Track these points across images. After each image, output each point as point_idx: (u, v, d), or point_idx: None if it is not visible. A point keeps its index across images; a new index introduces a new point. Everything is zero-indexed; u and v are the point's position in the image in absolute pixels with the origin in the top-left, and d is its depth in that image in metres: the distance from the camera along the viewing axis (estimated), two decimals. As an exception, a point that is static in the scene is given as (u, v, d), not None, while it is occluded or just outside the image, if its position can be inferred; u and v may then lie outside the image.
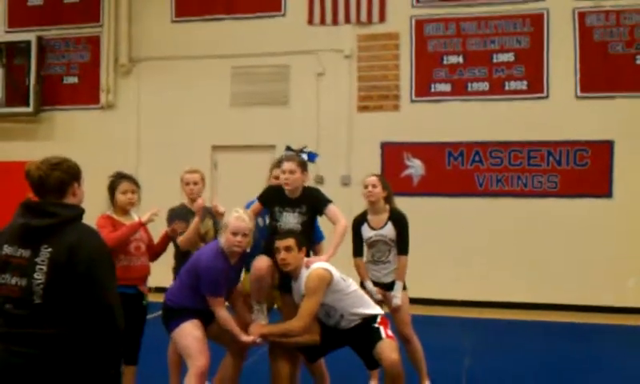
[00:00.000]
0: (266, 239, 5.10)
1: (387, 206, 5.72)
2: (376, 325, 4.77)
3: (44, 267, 2.75)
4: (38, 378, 2.73)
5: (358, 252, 5.78)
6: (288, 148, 5.38)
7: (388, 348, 4.61)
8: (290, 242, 4.72)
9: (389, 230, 5.64)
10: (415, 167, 10.47)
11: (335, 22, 10.90)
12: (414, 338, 5.70)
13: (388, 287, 5.68)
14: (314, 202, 5.16)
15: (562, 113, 10.09)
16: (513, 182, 10.28)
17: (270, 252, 4.88)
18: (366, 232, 5.73)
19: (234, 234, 4.57)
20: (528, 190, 10.22)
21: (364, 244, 5.78)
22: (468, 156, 10.41)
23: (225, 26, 11.32)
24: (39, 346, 2.73)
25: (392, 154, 10.53)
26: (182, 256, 5.36)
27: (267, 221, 5.27)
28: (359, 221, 5.80)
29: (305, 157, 5.26)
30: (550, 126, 10.11)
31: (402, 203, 10.35)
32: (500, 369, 6.74)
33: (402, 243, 5.64)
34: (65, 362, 2.75)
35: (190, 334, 4.57)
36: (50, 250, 2.76)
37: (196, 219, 5.25)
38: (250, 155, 10.56)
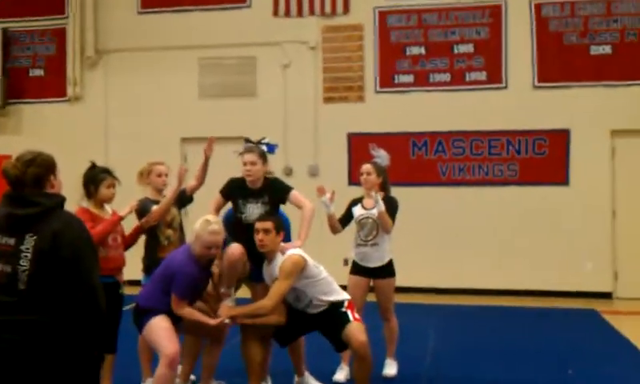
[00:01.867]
0: (230, 232, 5.21)
1: (382, 193, 5.95)
2: (343, 309, 5.02)
3: (29, 254, 2.87)
4: (23, 363, 2.86)
5: (340, 220, 5.98)
6: (247, 140, 5.58)
7: (356, 330, 4.87)
8: (269, 224, 4.94)
9: (377, 211, 5.82)
10: (381, 157, 10.50)
11: (300, 13, 11.07)
12: (393, 319, 6.03)
13: (374, 272, 5.92)
14: (276, 191, 5.37)
15: (520, 103, 10.40)
16: (474, 170, 10.59)
17: (237, 242, 5.06)
18: (358, 211, 5.97)
19: (208, 248, 4.73)
20: (489, 178, 10.54)
21: (353, 223, 5.99)
22: (431, 146, 10.70)
23: (192, 17, 11.40)
24: (24, 332, 2.86)
25: (358, 144, 10.74)
26: (153, 247, 5.55)
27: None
28: (355, 202, 6.07)
29: (264, 148, 5.45)
30: (510, 116, 10.42)
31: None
32: (462, 352, 7.04)
33: (388, 212, 5.83)
34: (49, 347, 2.87)
35: (157, 326, 4.73)
36: (34, 237, 2.88)
37: (175, 186, 5.44)
38: (219, 146, 10.56)
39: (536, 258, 10.20)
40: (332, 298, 5.06)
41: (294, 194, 5.40)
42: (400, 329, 6.19)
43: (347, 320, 4.93)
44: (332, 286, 5.14)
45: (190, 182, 5.83)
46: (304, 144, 10.93)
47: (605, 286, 10.17)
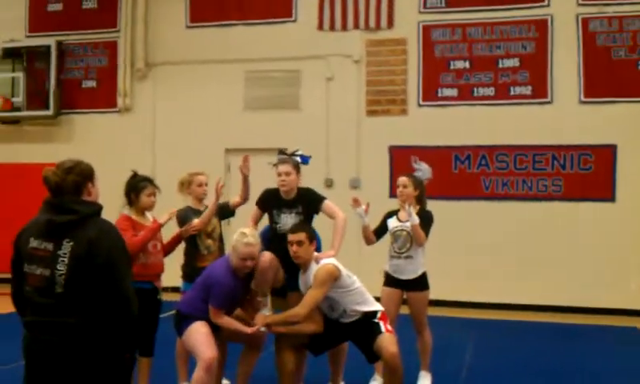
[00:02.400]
0: (267, 242, 5.30)
1: (418, 206, 5.97)
2: (376, 320, 5.05)
3: (65, 259, 3.00)
4: (59, 363, 3.00)
5: (375, 232, 6.04)
6: (281, 151, 5.67)
7: (387, 341, 4.90)
8: (302, 235, 5.02)
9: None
10: (423, 170, 10.68)
11: (344, 27, 11.18)
12: (427, 332, 6.01)
13: (407, 285, 5.93)
14: (309, 202, 5.44)
15: (565, 117, 10.29)
16: (518, 185, 10.49)
17: (275, 253, 5.15)
18: (393, 223, 6.01)
19: (244, 259, 4.86)
20: (533, 193, 10.43)
21: (388, 234, 6.04)
22: (474, 160, 10.65)
23: (238, 31, 11.62)
24: (61, 334, 3.00)
25: (400, 157, 10.78)
26: (192, 255, 5.68)
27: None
28: (390, 213, 6.11)
29: (298, 159, 5.53)
30: (554, 131, 10.31)
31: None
32: (500, 368, 6.97)
33: (422, 226, 5.81)
34: (84, 348, 3.00)
35: (196, 331, 4.86)
36: (71, 243, 3.01)
37: (214, 200, 5.58)
38: (263, 158, 10.74)
39: (580, 275, 10.04)
40: (365, 309, 5.10)
41: (327, 203, 5.47)
42: (438, 342, 6.18)
43: (379, 331, 4.97)
44: (365, 296, 5.18)
45: (234, 199, 5.94)
46: (346, 156, 11.01)
47: (651, 304, 9.95)
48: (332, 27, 11.23)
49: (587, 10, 10.31)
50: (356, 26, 11.13)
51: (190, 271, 5.64)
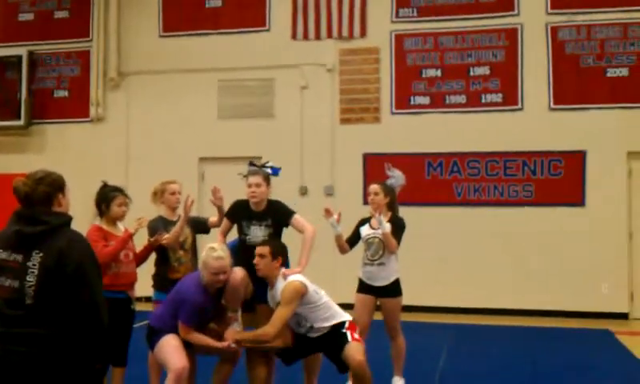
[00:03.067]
0: (235, 254, 5.28)
1: (389, 213, 6.04)
2: (344, 330, 5.07)
3: (35, 270, 3.00)
4: (31, 375, 2.99)
5: (348, 240, 6.11)
6: (251, 163, 5.68)
7: (354, 350, 4.92)
8: (265, 250, 5.04)
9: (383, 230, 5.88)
10: (396, 177, 10.60)
11: (318, 36, 11.26)
12: (400, 337, 6.07)
13: (380, 291, 5.97)
14: (279, 215, 5.42)
15: (536, 124, 10.46)
16: (490, 191, 10.63)
17: (243, 264, 5.15)
18: (365, 230, 6.07)
19: (216, 274, 4.86)
20: (504, 199, 10.57)
21: (361, 242, 6.10)
22: (446, 166, 10.77)
23: (212, 40, 11.64)
24: (32, 345, 2.99)
25: (373, 164, 10.84)
26: (163, 264, 5.67)
27: None
28: (363, 221, 6.16)
29: (269, 171, 5.55)
30: (525, 137, 10.47)
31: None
32: (472, 371, 7.04)
33: (393, 233, 5.90)
34: (55, 359, 3.00)
35: (167, 343, 4.86)
36: (40, 254, 3.01)
37: (183, 216, 5.55)
38: (237, 166, 10.71)
39: (551, 279, 10.19)
40: (332, 322, 5.11)
41: (296, 218, 5.44)
42: (411, 347, 6.24)
43: (346, 341, 4.98)
44: (332, 309, 5.17)
45: (212, 218, 5.92)
46: (320, 164, 11.06)
47: (621, 306, 10.11)
48: (305, 36, 11.30)
49: (556, 19, 10.51)
50: (329, 36, 11.21)
51: (161, 281, 5.63)
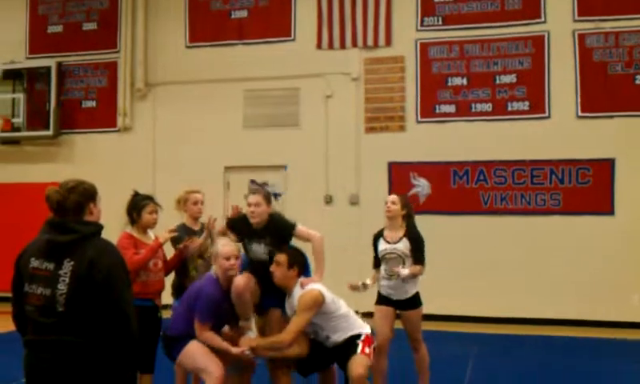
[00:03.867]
0: (245, 267, 5.26)
1: (404, 224, 5.94)
2: (358, 341, 5.02)
3: (66, 279, 3.02)
4: (62, 382, 3.01)
5: (375, 264, 6.06)
6: (253, 181, 5.64)
7: (357, 362, 4.88)
8: (282, 258, 5.04)
9: (402, 245, 5.83)
10: (422, 186, 10.75)
11: (343, 46, 11.27)
12: (423, 348, 5.98)
13: (399, 305, 5.89)
14: (278, 231, 5.29)
15: (563, 132, 10.35)
16: (517, 200, 10.53)
17: (252, 274, 5.14)
18: (381, 245, 5.95)
19: (227, 258, 4.86)
20: (532, 207, 10.46)
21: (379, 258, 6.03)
22: (473, 175, 10.69)
23: (237, 50, 11.71)
24: (62, 352, 3.01)
25: (399, 173, 10.83)
26: (182, 273, 5.69)
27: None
28: (377, 235, 6.06)
29: (269, 190, 5.55)
30: (552, 146, 10.37)
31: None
32: (500, 380, 6.97)
33: (416, 254, 5.82)
34: (85, 366, 3.01)
35: (196, 351, 4.82)
36: (72, 263, 3.04)
37: (206, 233, 5.59)
38: (262, 175, 10.86)
39: (580, 289, 10.06)
40: (349, 333, 5.07)
41: (299, 229, 5.32)
42: (437, 357, 6.18)
43: (354, 351, 4.95)
44: (350, 320, 5.13)
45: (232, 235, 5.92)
46: (345, 173, 11.05)
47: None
48: (330, 46, 11.33)
49: (583, 26, 10.40)
50: (354, 45, 11.22)
51: (180, 289, 5.61)
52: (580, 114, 10.36)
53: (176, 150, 11.79)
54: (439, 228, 10.43)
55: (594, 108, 10.33)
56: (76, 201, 3.16)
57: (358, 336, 5.07)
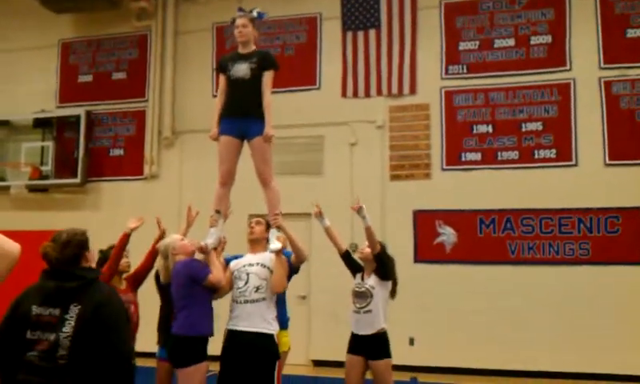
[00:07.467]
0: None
1: (374, 264, 6.11)
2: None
3: (72, 322, 3.14)
4: None
5: (350, 258, 6.42)
6: (240, 8, 5.85)
7: None
8: (262, 220, 5.79)
9: (371, 280, 6.02)
10: (447, 235, 10.65)
11: (367, 94, 11.35)
12: None
13: (367, 341, 5.88)
14: (264, 58, 5.64)
15: (591, 180, 10.24)
16: (544, 249, 10.38)
17: (228, 100, 5.65)
18: (357, 279, 6.16)
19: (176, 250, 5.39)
20: (560, 257, 10.29)
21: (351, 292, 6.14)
22: (499, 224, 10.57)
23: (263, 99, 11.80)
24: None
25: (424, 221, 10.75)
26: (165, 316, 5.66)
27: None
28: (359, 268, 6.27)
29: (255, 14, 5.75)
30: (580, 194, 10.25)
31: (435, 270, 10.57)
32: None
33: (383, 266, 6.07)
34: None
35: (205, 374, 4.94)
36: (79, 306, 3.18)
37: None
38: (286, 223, 10.80)
39: (611, 340, 9.80)
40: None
41: (271, 74, 5.63)
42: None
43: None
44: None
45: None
46: (370, 220, 10.94)
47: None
48: (355, 94, 11.40)
49: (609, 74, 10.38)
50: (379, 93, 11.29)
51: (165, 331, 5.51)
52: (608, 161, 10.26)
53: (202, 198, 11.73)
54: (465, 277, 10.31)
55: (622, 155, 10.22)
56: (71, 253, 3.36)
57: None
